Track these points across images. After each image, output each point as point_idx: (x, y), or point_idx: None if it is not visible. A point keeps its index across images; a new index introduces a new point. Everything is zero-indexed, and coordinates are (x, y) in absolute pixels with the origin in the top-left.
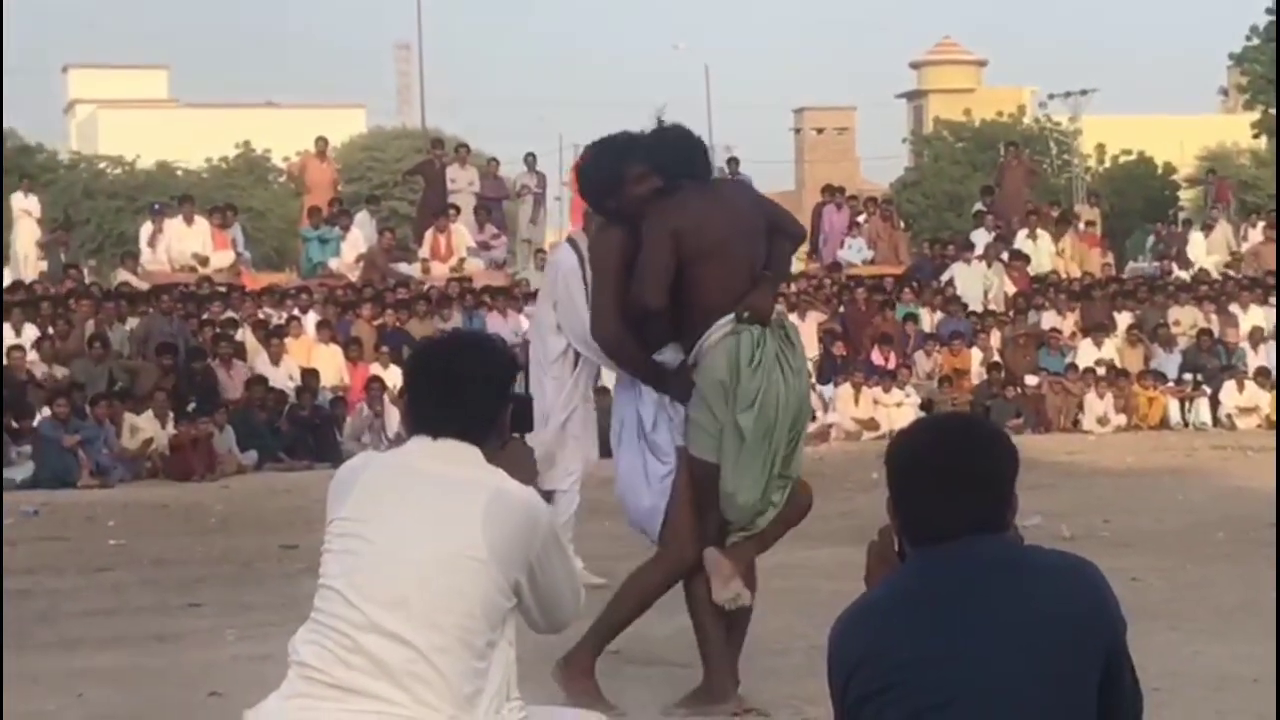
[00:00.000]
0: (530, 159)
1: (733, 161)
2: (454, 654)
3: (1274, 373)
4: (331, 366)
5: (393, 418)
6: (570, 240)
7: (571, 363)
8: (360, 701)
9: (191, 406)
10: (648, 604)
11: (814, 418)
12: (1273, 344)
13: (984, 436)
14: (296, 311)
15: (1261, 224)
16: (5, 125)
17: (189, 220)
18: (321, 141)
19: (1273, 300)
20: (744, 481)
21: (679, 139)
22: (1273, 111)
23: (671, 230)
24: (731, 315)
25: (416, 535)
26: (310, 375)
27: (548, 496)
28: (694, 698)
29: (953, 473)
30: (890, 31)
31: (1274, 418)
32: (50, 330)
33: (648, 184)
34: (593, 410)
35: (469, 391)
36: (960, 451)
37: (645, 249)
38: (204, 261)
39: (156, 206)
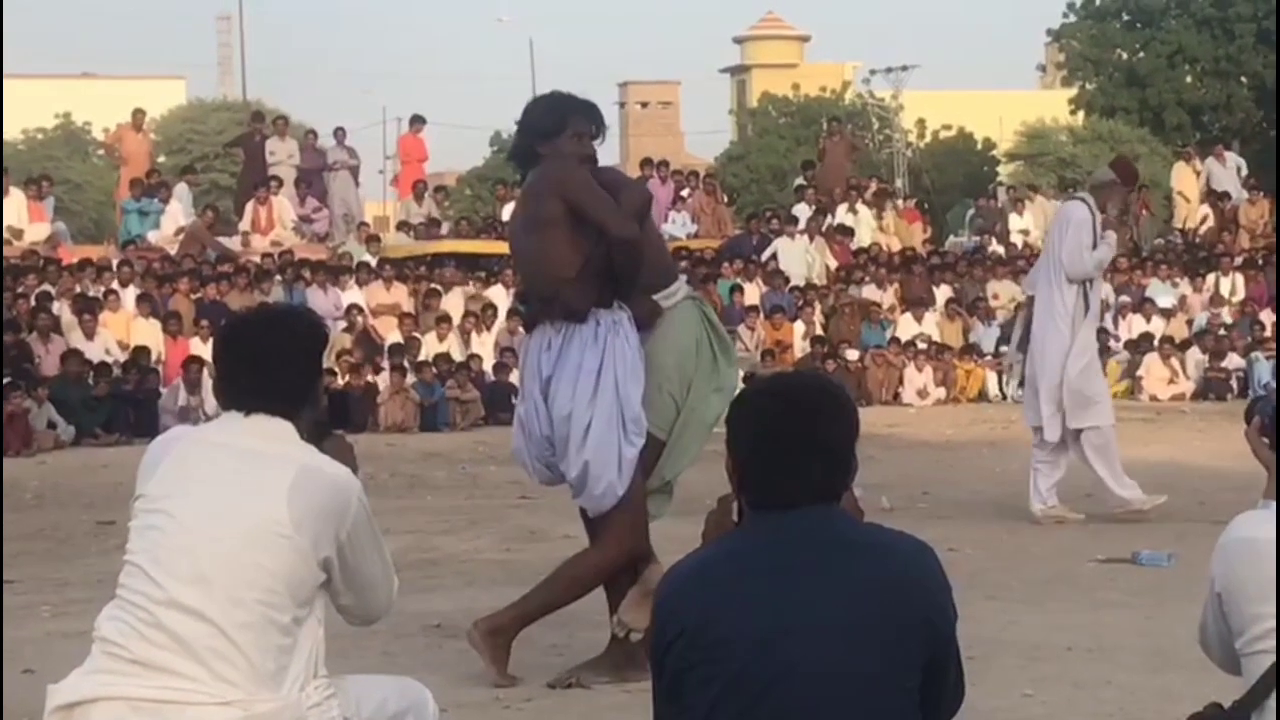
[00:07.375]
0: (339, 133)
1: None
2: (256, 630)
3: None
4: (152, 341)
5: (211, 394)
6: (1082, 197)
7: (1083, 310)
8: (159, 677)
9: (6, 380)
10: (586, 590)
11: None
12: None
13: (834, 404)
14: (115, 285)
15: None
16: None
17: (3, 192)
18: (139, 114)
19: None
20: (681, 461)
21: None
22: (1090, 87)
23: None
24: (684, 279)
25: (221, 510)
26: (141, 351)
27: (1075, 435)
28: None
29: (803, 443)
30: (714, 6)
31: None
32: None
33: (582, 146)
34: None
35: (278, 366)
36: (812, 422)
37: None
38: (18, 234)
39: None
